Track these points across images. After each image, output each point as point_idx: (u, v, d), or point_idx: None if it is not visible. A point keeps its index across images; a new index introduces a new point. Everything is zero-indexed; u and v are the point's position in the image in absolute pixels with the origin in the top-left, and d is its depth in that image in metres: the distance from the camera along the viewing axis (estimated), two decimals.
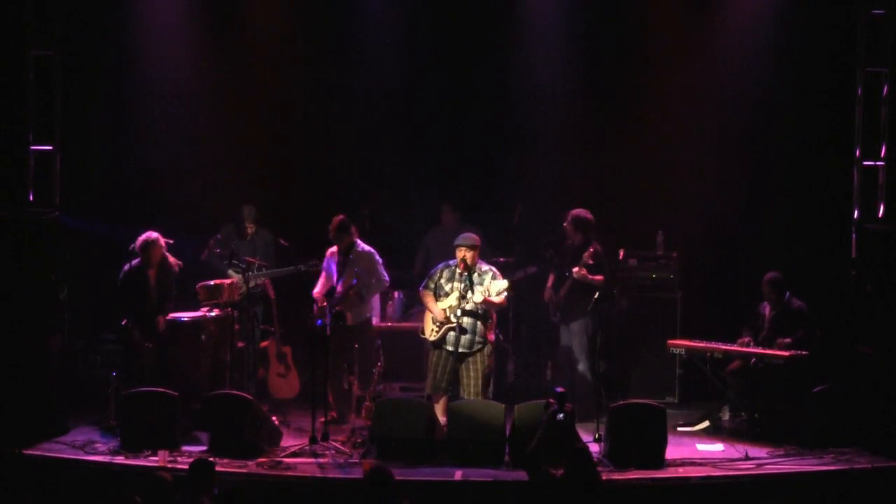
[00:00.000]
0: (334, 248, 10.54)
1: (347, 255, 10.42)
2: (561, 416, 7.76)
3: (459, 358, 9.91)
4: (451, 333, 9.95)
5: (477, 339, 9.98)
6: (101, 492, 8.71)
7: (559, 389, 8.00)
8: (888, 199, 10.73)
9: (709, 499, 8.85)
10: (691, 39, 11.98)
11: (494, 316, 10.16)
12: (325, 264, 10.60)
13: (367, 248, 10.57)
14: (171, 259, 10.48)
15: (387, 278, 10.69)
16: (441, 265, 10.23)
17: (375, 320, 11.26)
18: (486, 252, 11.52)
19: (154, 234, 10.35)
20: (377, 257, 10.60)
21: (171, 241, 10.46)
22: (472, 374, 9.95)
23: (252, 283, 10.90)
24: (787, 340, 10.15)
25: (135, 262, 10.31)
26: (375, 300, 11.33)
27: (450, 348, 9.93)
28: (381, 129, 12.32)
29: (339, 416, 10.43)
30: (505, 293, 9.94)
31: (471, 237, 10.08)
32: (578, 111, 12.25)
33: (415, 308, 11.67)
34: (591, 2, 12.12)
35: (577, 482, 7.26)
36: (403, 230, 12.18)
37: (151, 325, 10.29)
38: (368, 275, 10.54)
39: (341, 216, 10.47)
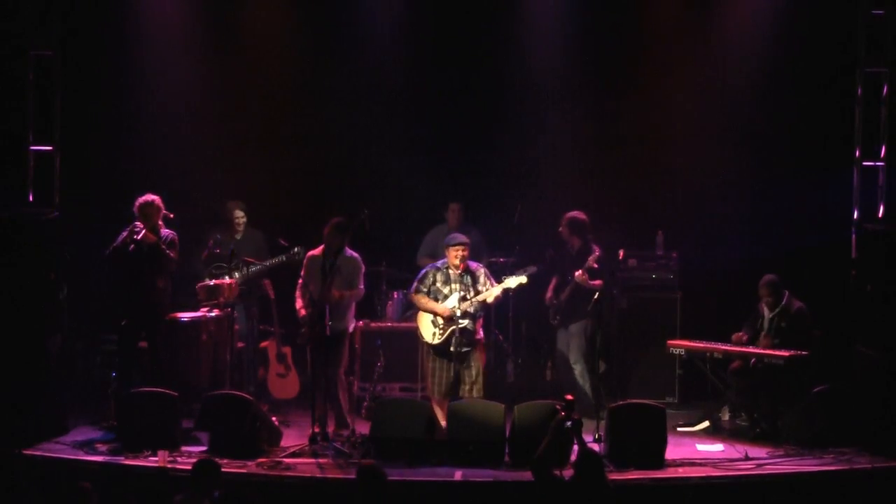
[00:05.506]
0: (313, 253, 10.16)
1: (336, 259, 9.90)
2: (569, 423, 7.76)
3: (461, 357, 9.90)
4: (455, 336, 9.91)
5: (473, 338, 9.98)
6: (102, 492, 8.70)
7: (568, 397, 8.00)
8: (888, 199, 10.74)
9: (709, 499, 8.84)
10: (691, 39, 11.98)
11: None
12: (303, 272, 10.17)
13: (354, 253, 10.15)
14: (166, 231, 10.21)
15: (363, 289, 10.26)
16: (428, 268, 10.14)
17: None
18: (486, 252, 11.54)
19: (152, 196, 10.15)
20: (362, 265, 10.19)
21: (171, 216, 10.29)
22: (473, 373, 9.93)
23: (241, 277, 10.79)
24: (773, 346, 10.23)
25: (124, 234, 10.09)
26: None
27: (452, 349, 9.89)
28: (381, 129, 12.30)
29: (338, 422, 10.10)
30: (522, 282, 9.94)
31: (463, 237, 10.06)
32: (578, 111, 12.24)
33: (413, 309, 11.61)
34: (591, 1, 12.11)
35: (586, 486, 7.29)
36: (403, 231, 12.15)
37: (145, 318, 10.20)
38: (351, 282, 10.10)
39: (340, 218, 10.21)
